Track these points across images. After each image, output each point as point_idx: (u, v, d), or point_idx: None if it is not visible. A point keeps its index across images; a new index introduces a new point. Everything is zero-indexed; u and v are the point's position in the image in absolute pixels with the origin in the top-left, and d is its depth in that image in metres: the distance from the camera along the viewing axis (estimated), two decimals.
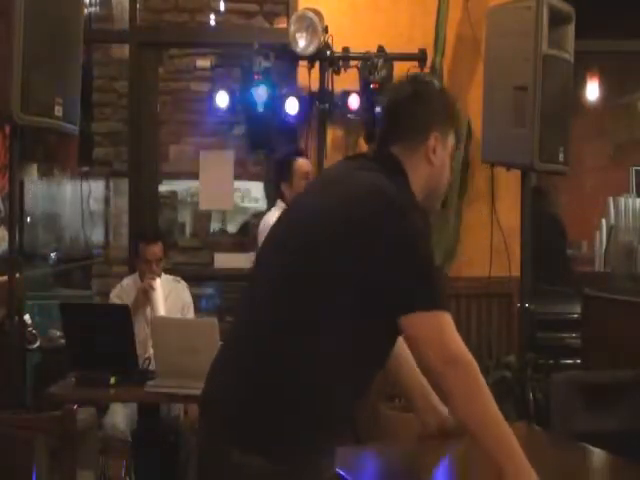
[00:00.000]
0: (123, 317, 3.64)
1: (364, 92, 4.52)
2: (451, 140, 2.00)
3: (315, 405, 1.78)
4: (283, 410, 1.76)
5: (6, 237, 3.57)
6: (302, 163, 4.34)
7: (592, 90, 6.81)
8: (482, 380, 1.74)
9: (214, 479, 1.85)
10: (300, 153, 4.44)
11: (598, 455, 2.19)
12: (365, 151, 2.12)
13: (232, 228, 6.85)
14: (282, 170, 4.37)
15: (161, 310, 4.00)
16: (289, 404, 1.76)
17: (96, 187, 6.32)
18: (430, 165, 1.94)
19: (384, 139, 1.98)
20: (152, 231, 4.46)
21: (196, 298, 4.65)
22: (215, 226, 6.82)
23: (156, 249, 4.23)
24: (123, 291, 4.30)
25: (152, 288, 4.05)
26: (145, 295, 4.05)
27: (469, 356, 1.75)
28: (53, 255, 7.40)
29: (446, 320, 1.75)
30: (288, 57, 4.56)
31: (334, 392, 1.80)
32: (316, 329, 1.77)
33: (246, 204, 6.79)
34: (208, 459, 1.86)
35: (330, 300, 1.77)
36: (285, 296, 1.81)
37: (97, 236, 6.65)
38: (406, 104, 1.98)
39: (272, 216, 4.37)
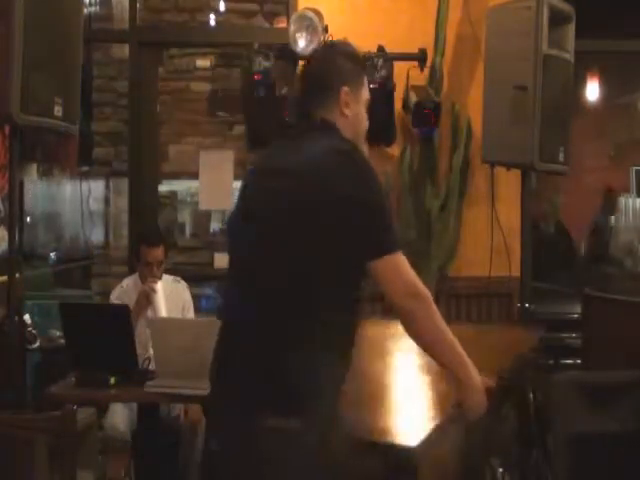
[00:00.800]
0: (123, 317, 3.64)
1: None
2: (364, 92, 2.27)
3: (327, 363, 2.01)
4: (304, 372, 1.99)
5: (6, 237, 3.57)
6: None
7: (592, 90, 6.82)
8: (436, 309, 2.08)
9: (251, 453, 2.02)
10: None
11: None
12: (295, 122, 2.43)
13: None
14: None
15: (163, 312, 4.00)
16: (307, 365, 2.00)
17: (96, 187, 6.31)
18: (344, 117, 2.21)
19: (308, 106, 2.23)
20: (154, 234, 4.45)
21: (196, 298, 4.64)
22: (215, 226, 6.81)
23: (158, 252, 4.22)
24: (123, 292, 4.30)
25: (153, 291, 4.05)
26: (147, 298, 4.05)
27: (426, 290, 2.08)
28: (53, 255, 7.40)
29: (403, 259, 2.06)
30: (288, 57, 4.55)
31: (339, 344, 2.06)
32: (314, 291, 2.03)
33: None
34: (240, 440, 2.04)
35: (323, 267, 2.03)
36: (284, 277, 2.03)
37: (97, 236, 6.64)
38: (313, 70, 2.27)
39: None
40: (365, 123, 2.30)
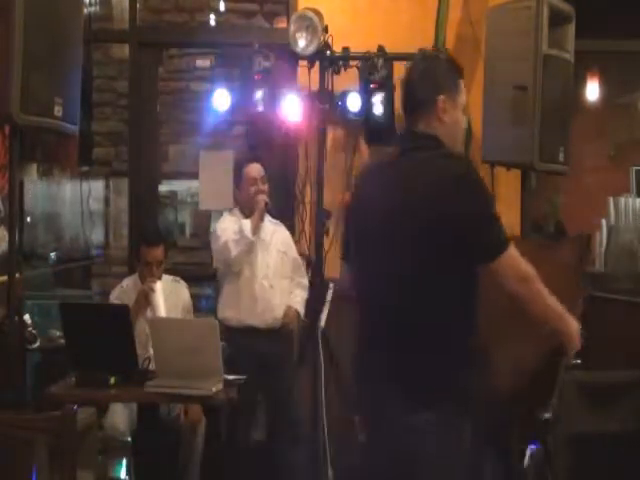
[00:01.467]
0: (123, 317, 3.64)
1: (364, 92, 4.52)
2: (461, 97, 2.46)
3: (460, 360, 2.31)
4: (440, 368, 2.29)
5: (6, 237, 3.57)
6: (250, 169, 4.32)
7: (592, 90, 6.81)
8: (540, 285, 2.38)
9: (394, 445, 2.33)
10: (253, 158, 4.42)
11: None
12: (402, 134, 2.60)
13: None
14: (235, 175, 4.39)
15: (162, 312, 4.00)
16: (443, 362, 2.29)
17: (96, 187, 6.30)
18: (443, 125, 2.41)
19: (409, 120, 2.45)
20: (154, 234, 4.44)
21: (196, 298, 4.64)
22: (215, 226, 6.81)
23: (157, 252, 4.22)
24: (123, 292, 4.29)
25: (152, 290, 4.04)
26: (146, 298, 4.05)
27: (530, 270, 2.36)
28: (53, 255, 7.39)
29: (513, 251, 2.35)
30: (288, 57, 4.55)
31: (466, 340, 2.35)
32: (445, 295, 2.31)
33: None
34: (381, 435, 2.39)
35: (450, 270, 2.30)
36: (414, 280, 2.31)
37: (97, 236, 6.64)
38: (410, 85, 2.47)
39: (227, 222, 4.38)
40: (462, 126, 2.51)
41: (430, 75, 2.44)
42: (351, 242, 2.57)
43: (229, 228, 4.27)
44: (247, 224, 4.21)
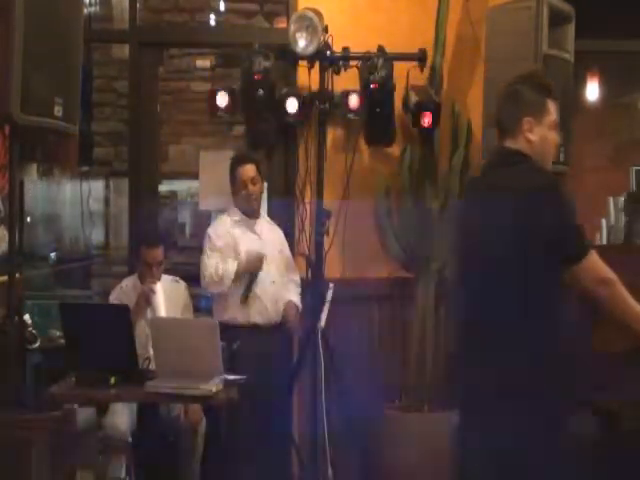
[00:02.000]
0: (123, 317, 3.64)
1: (364, 92, 4.52)
2: (549, 116, 2.63)
3: (559, 372, 2.49)
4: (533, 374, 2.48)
5: (6, 237, 3.57)
6: (242, 170, 4.37)
7: (592, 90, 6.80)
8: (622, 288, 2.54)
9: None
10: (247, 159, 4.45)
11: None
12: (493, 150, 2.84)
13: None
14: (231, 178, 4.43)
15: (162, 313, 4.01)
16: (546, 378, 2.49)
17: (96, 187, 6.31)
18: (530, 143, 2.61)
19: (500, 139, 2.68)
20: (153, 235, 4.45)
21: (196, 298, 4.65)
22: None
23: (157, 253, 4.23)
24: (123, 293, 4.30)
25: (153, 292, 4.05)
26: (146, 300, 4.05)
27: (612, 274, 2.53)
28: (53, 255, 7.39)
29: (594, 256, 2.54)
30: (288, 57, 4.55)
31: (558, 343, 2.52)
32: (541, 309, 2.50)
33: None
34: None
35: (542, 281, 2.50)
36: (507, 294, 2.51)
37: (97, 236, 6.64)
38: (500, 107, 2.71)
39: (223, 224, 4.41)
40: (553, 142, 2.69)
41: (516, 98, 2.65)
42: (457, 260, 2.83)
43: (215, 259, 4.30)
44: (231, 267, 4.25)
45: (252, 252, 4.29)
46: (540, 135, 2.62)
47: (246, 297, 4.26)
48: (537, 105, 2.63)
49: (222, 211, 4.62)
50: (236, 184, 4.39)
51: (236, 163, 4.41)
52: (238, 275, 4.23)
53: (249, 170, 4.38)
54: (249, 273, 4.28)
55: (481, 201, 2.68)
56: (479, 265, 2.62)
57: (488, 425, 2.54)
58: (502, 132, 2.68)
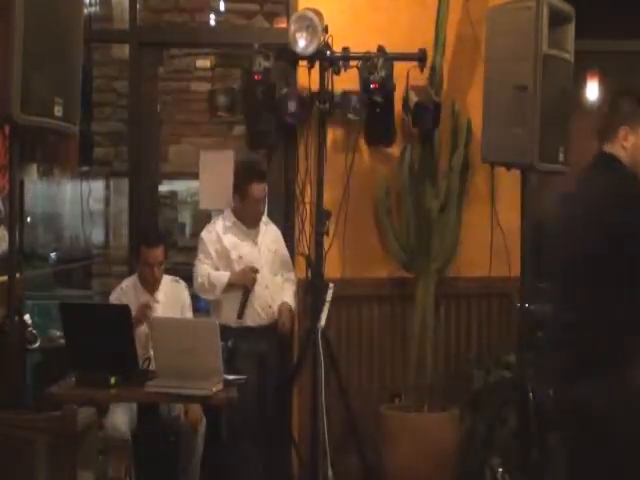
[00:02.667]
0: (123, 317, 3.64)
1: (364, 92, 4.52)
2: None
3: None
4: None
5: (6, 237, 3.56)
6: (256, 189, 4.42)
7: (592, 90, 6.81)
8: None
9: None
10: (260, 176, 4.50)
11: None
12: (595, 154, 3.01)
13: None
14: (240, 189, 4.46)
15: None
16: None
17: (96, 187, 6.31)
18: (624, 149, 2.83)
19: (600, 140, 2.90)
20: (154, 234, 4.46)
21: (195, 298, 4.65)
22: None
23: (157, 253, 4.23)
24: (123, 294, 4.30)
25: (149, 308, 4.10)
26: (144, 315, 4.06)
27: None
28: (53, 255, 7.40)
29: None
30: (288, 57, 4.55)
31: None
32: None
33: None
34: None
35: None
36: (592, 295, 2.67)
37: (97, 236, 6.64)
38: (602, 114, 2.98)
39: (216, 229, 4.43)
40: None
41: (616, 108, 2.91)
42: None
43: (207, 265, 4.36)
44: (222, 278, 4.32)
45: (246, 268, 4.35)
46: (633, 143, 2.85)
47: (241, 314, 4.29)
48: (635, 116, 2.87)
49: (221, 211, 4.64)
50: (246, 198, 4.43)
51: (251, 177, 4.45)
52: (230, 285, 4.28)
53: (263, 189, 4.45)
54: (244, 289, 4.31)
55: (574, 202, 2.90)
56: (591, 281, 2.72)
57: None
58: (601, 138, 2.92)
